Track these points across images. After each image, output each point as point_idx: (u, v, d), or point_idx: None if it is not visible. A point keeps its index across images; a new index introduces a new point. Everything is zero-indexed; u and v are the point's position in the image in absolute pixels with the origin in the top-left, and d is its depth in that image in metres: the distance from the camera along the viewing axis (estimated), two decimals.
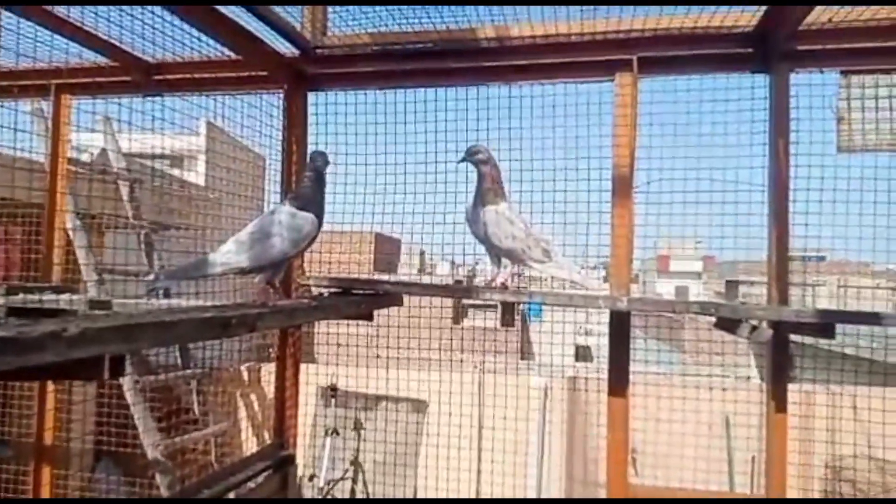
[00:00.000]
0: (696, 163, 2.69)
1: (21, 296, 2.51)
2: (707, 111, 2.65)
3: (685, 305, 2.29)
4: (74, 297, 2.74)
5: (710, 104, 2.64)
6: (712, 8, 2.37)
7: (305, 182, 2.09)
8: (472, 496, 5.19)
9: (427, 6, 2.51)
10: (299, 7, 2.65)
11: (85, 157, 4.84)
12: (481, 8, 2.51)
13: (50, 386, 3.16)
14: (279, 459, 2.67)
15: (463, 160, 2.42)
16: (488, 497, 5.10)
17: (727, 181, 2.64)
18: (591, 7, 2.46)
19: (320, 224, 2.07)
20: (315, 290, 2.55)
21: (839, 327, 2.13)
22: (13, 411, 3.96)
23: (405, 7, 2.51)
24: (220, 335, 1.58)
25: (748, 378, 6.26)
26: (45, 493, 3.20)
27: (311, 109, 2.88)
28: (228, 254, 1.91)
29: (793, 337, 2.54)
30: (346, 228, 3.14)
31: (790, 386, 2.50)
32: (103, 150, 4.55)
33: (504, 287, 2.38)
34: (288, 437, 2.75)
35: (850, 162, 2.53)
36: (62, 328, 1.14)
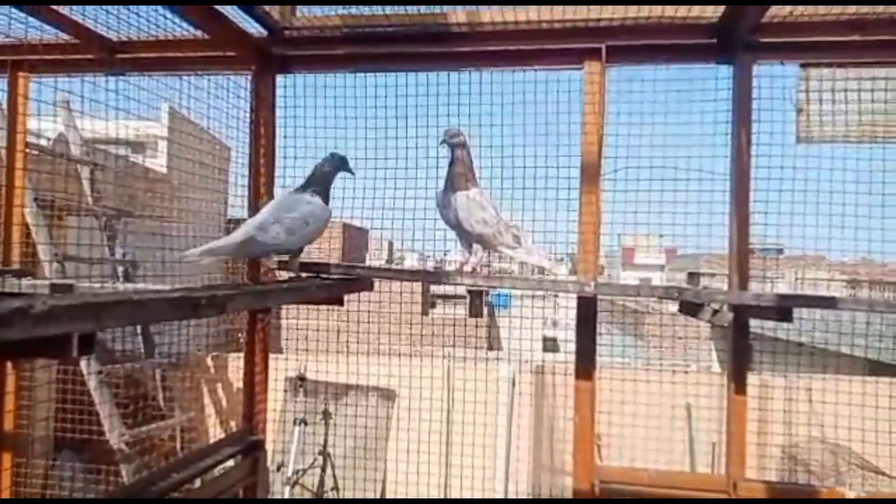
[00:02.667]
0: (663, 151, 2.75)
1: None
2: (673, 101, 2.70)
3: (650, 290, 2.35)
4: (36, 281, 2.68)
5: (676, 94, 2.69)
6: None
7: (326, 177, 2.31)
8: (441, 484, 5.24)
9: None
10: None
11: (42, 143, 4.71)
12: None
13: (10, 369, 3.08)
14: (248, 444, 2.66)
15: (443, 143, 2.42)
16: (458, 487, 5.15)
17: (691, 170, 2.70)
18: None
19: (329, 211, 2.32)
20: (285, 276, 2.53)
21: (796, 317, 2.22)
22: None
23: None
24: (189, 315, 1.56)
25: (709, 367, 6.44)
26: (5, 480, 3.12)
27: (279, 92, 2.84)
28: (278, 235, 2.12)
29: (752, 328, 2.63)
30: None
31: (749, 375, 2.59)
32: (60, 135, 4.43)
33: (474, 272, 2.40)
34: (257, 422, 2.73)
35: (808, 152, 2.61)
36: (29, 305, 1.12)
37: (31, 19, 2.62)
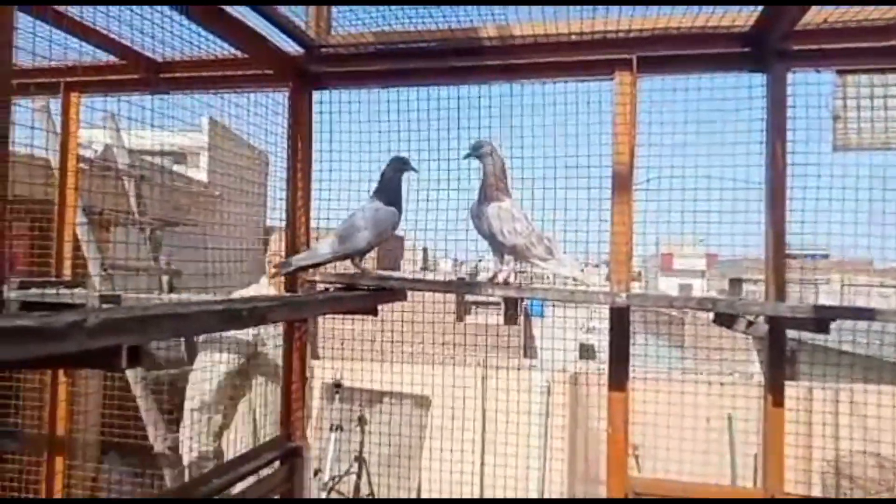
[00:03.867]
0: (695, 161, 2.73)
1: (33, 290, 2.57)
2: (705, 109, 2.69)
3: (683, 301, 2.34)
4: (84, 291, 2.81)
5: (709, 102, 2.68)
6: (710, 8, 2.42)
7: (388, 181, 2.47)
8: (476, 493, 5.25)
9: (430, 6, 2.56)
10: (304, 6, 2.70)
11: (88, 154, 4.92)
12: (483, 8, 2.56)
13: (62, 378, 3.22)
14: (286, 451, 2.73)
15: (468, 155, 2.47)
16: (492, 496, 5.16)
17: (725, 178, 2.68)
18: (592, 7, 2.50)
19: (400, 214, 2.48)
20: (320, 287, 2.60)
21: (838, 324, 2.18)
22: (23, 403, 4.01)
23: (408, 7, 2.56)
24: (232, 326, 1.64)
25: (751, 375, 6.31)
26: (58, 484, 3.26)
27: (315, 108, 2.92)
28: (333, 244, 2.37)
29: (793, 334, 2.59)
30: None
31: (791, 383, 2.55)
32: (107, 147, 4.61)
33: (507, 283, 2.43)
34: (294, 429, 2.80)
35: (845, 160, 2.57)
36: (83, 318, 1.19)
37: (81, 44, 2.76)
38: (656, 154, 2.70)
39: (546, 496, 5.29)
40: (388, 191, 2.46)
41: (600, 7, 2.48)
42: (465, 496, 5.13)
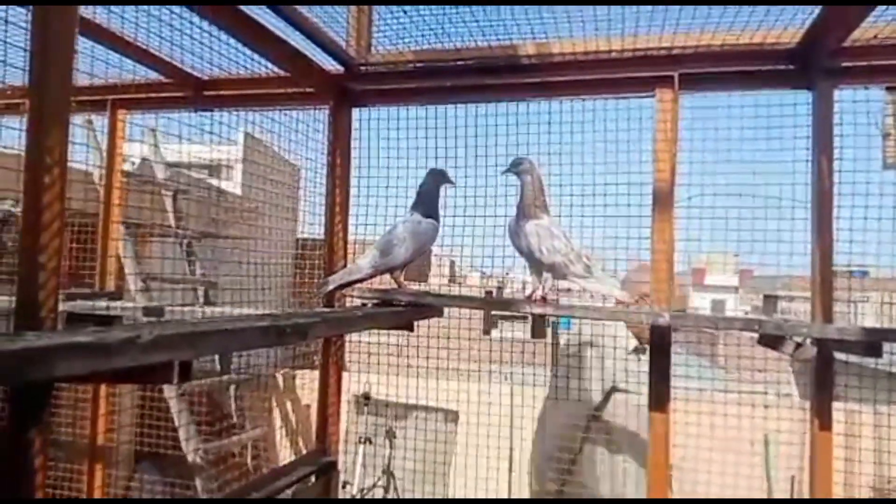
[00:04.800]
0: (739, 178, 2.69)
1: (78, 302, 2.63)
2: (749, 127, 2.65)
3: (728, 322, 2.30)
4: (127, 304, 2.87)
5: (752, 120, 2.64)
6: (755, 24, 2.39)
7: (426, 193, 2.49)
8: None
9: (469, 24, 2.58)
10: (345, 25, 2.74)
11: (126, 167, 5.03)
12: (522, 25, 2.56)
13: (102, 391, 3.28)
14: (322, 465, 2.73)
15: (507, 171, 2.46)
16: None
17: (769, 197, 2.63)
18: (634, 23, 2.49)
19: (438, 227, 2.50)
20: (358, 302, 2.61)
21: (887, 350, 2.11)
22: (65, 412, 4.09)
23: (448, 25, 2.58)
24: (276, 343, 1.64)
25: (789, 395, 6.14)
26: (98, 492, 3.31)
27: (354, 125, 2.96)
28: (373, 258, 2.39)
29: (837, 355, 2.51)
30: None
31: (834, 405, 2.48)
32: (144, 160, 4.71)
33: (544, 301, 2.41)
34: (330, 443, 2.81)
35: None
36: (136, 335, 1.22)
37: (125, 62, 2.85)
38: (698, 172, 2.66)
39: None
40: (427, 204, 2.48)
41: (642, 23, 2.46)
42: None
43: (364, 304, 2.46)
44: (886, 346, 2.09)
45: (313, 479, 2.72)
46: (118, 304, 2.74)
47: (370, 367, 4.72)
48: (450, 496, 5.30)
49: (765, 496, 5.06)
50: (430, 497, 5.13)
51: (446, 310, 3.97)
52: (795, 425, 4.13)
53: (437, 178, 2.53)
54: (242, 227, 4.84)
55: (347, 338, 4.99)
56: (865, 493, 4.33)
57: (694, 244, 2.75)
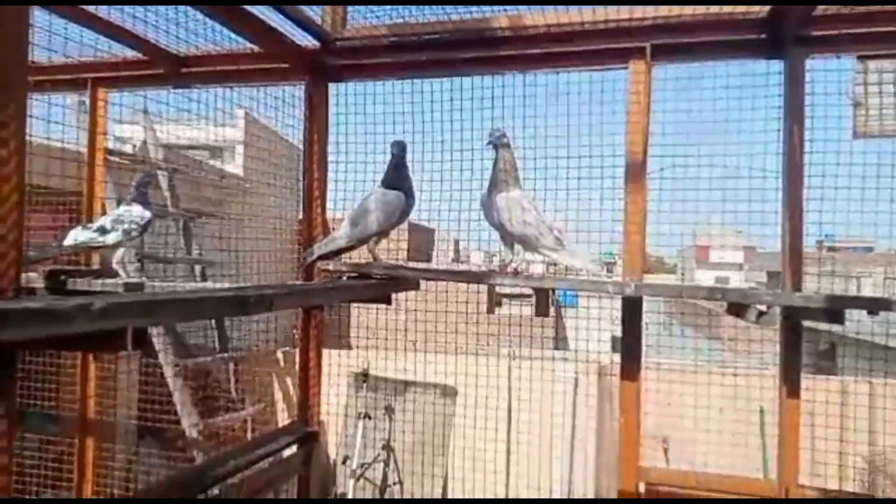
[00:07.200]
0: (711, 149, 2.70)
1: (63, 279, 2.68)
2: (721, 97, 2.65)
3: (693, 290, 2.32)
4: (111, 280, 2.92)
5: (725, 90, 2.64)
6: None
7: (389, 166, 2.49)
8: (503, 482, 5.28)
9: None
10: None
11: (127, 149, 5.07)
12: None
13: (90, 358, 3.35)
14: (303, 435, 2.80)
15: (490, 143, 2.47)
16: (517, 484, 5.18)
17: (741, 167, 2.65)
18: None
19: (410, 199, 2.48)
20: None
21: (884, 317, 2.11)
22: (57, 386, 4.19)
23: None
24: (239, 312, 1.69)
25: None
26: (90, 466, 3.41)
27: (333, 100, 2.98)
28: (344, 229, 2.44)
29: (835, 328, 2.52)
30: None
31: (828, 377, 2.51)
32: (144, 143, 4.75)
33: (516, 273, 2.44)
34: (311, 414, 2.88)
35: (866, 147, 2.51)
36: (89, 302, 1.26)
37: (103, 41, 2.87)
38: (670, 143, 2.67)
39: (572, 486, 5.29)
40: (391, 176, 2.49)
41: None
42: (492, 485, 5.16)
43: (340, 278, 2.51)
44: (884, 317, 2.10)
45: (295, 448, 2.80)
46: (104, 281, 2.78)
47: (376, 346, 4.80)
48: (448, 470, 5.40)
49: (760, 465, 5.11)
50: (430, 473, 5.22)
51: (452, 288, 4.02)
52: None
53: (393, 151, 2.52)
54: (240, 206, 4.89)
55: (353, 316, 5.05)
56: (858, 463, 4.37)
57: (690, 216, 2.76)
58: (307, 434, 2.80)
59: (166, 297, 1.48)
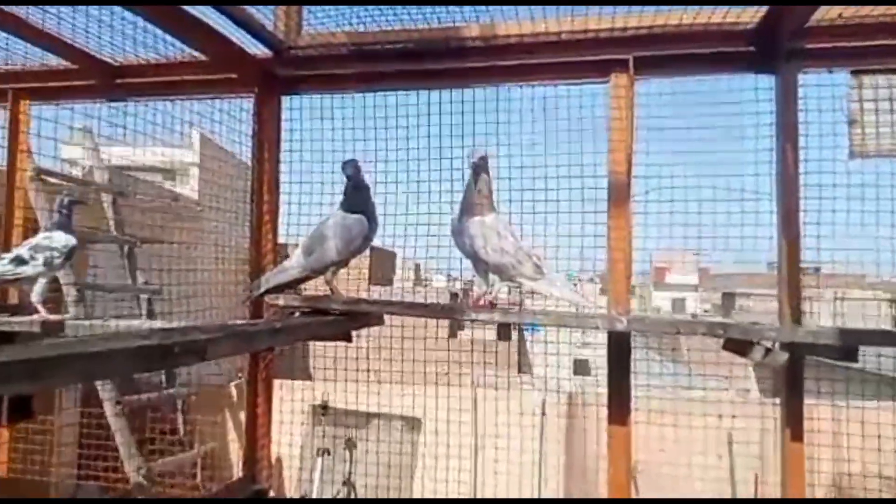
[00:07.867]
0: (697, 169, 2.51)
1: None
2: (708, 114, 2.46)
3: (691, 326, 2.09)
4: (30, 318, 2.56)
5: (712, 107, 2.45)
6: (712, 3, 2.20)
7: (346, 188, 2.23)
8: None
9: (408, 6, 2.34)
10: (271, 4, 2.47)
11: (76, 172, 4.70)
12: (465, 6, 2.33)
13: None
14: (251, 495, 2.46)
15: (474, 165, 2.19)
16: None
17: (731, 189, 2.45)
18: (585, 3, 2.29)
19: (373, 223, 2.22)
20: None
21: None
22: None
23: (384, 4, 2.34)
24: (161, 366, 1.39)
25: (748, 391, 6.08)
26: None
27: (286, 115, 2.69)
28: (297, 258, 2.17)
29: None
30: None
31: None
32: (92, 167, 4.39)
33: (492, 306, 2.19)
34: (260, 468, 2.53)
35: (863, 168, 2.34)
36: None
37: (30, 46, 2.54)
38: (655, 163, 2.47)
39: None
40: (353, 199, 2.21)
41: (594, 3, 2.26)
42: None
43: (292, 314, 2.20)
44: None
45: None
46: (20, 318, 2.42)
47: (333, 375, 4.49)
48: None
49: (728, 491, 4.96)
50: None
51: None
52: (755, 422, 4.04)
53: (348, 172, 2.21)
54: (194, 232, 4.55)
55: (311, 346, 4.73)
56: (825, 486, 4.24)
57: (651, 241, 2.56)
58: (256, 493, 2.46)
59: (63, 351, 1.16)
